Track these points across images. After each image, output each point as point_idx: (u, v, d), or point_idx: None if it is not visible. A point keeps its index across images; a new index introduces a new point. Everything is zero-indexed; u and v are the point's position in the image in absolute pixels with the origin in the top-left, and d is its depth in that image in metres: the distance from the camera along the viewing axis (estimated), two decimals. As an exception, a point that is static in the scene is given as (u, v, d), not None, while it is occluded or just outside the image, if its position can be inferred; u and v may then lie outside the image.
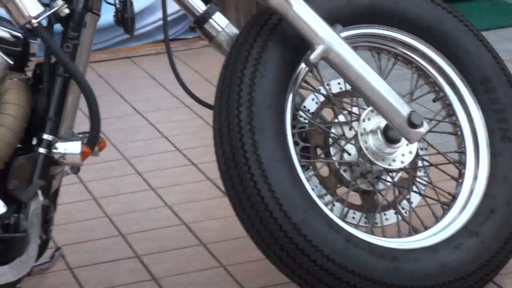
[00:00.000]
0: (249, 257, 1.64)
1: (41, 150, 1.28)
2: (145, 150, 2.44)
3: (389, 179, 1.40)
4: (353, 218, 1.40)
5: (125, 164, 2.32)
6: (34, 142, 1.28)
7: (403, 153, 1.36)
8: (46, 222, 1.37)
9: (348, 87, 1.40)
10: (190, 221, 1.94)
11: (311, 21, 1.30)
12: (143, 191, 2.17)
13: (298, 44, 1.34)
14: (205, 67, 2.79)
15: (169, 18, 1.65)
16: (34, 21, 1.25)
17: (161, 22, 2.94)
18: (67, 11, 1.28)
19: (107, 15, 1.36)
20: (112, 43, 2.95)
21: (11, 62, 1.30)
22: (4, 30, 1.32)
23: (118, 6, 1.39)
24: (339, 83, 1.39)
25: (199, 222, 1.94)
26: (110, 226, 1.95)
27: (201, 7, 1.42)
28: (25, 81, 1.35)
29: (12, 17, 1.30)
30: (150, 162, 2.35)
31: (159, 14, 2.93)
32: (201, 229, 1.91)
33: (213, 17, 1.41)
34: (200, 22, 1.42)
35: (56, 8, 1.27)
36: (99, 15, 1.34)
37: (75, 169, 1.38)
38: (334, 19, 1.34)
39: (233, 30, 1.42)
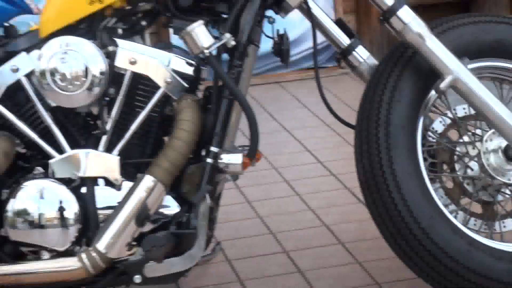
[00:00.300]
0: (382, 255, 1.69)
1: (209, 160, 1.35)
2: (291, 161, 2.53)
3: (508, 191, 1.45)
4: (475, 225, 1.46)
5: (274, 173, 2.41)
6: (203, 153, 1.36)
7: None
8: (211, 221, 1.42)
9: (472, 111, 1.44)
10: (330, 223, 2.03)
11: (442, 54, 1.34)
12: (289, 196, 2.26)
13: (429, 74, 1.39)
14: (343, 92, 2.87)
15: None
16: (206, 51, 1.32)
17: (305, 52, 3.14)
18: (233, 43, 1.34)
19: (262, 45, 1.43)
20: (264, 69, 3.10)
21: (186, 85, 1.38)
22: (181, 59, 1.39)
23: (276, 39, 1.44)
24: (464, 108, 1.44)
25: (338, 224, 2.03)
26: (261, 225, 2.06)
27: (346, 41, 1.50)
28: (197, 101, 1.40)
29: (188, 47, 1.36)
30: (296, 171, 2.44)
31: (303, 46, 3.12)
32: (339, 230, 1.99)
33: (356, 49, 1.49)
34: (345, 53, 1.49)
35: (224, 40, 1.33)
36: (258, 47, 1.41)
37: (235, 177, 1.44)
38: (462, 53, 1.39)
39: (373, 61, 1.49)
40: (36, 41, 1.36)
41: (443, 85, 1.34)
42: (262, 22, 1.45)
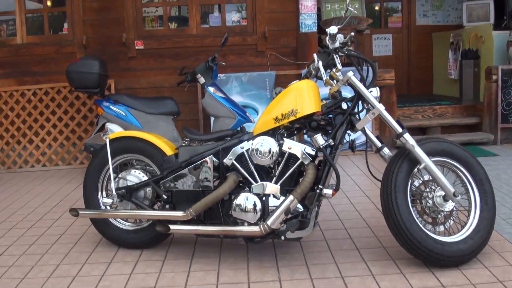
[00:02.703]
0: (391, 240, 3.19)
1: (318, 191, 2.95)
2: (349, 192, 4.43)
3: (443, 214, 2.93)
4: (429, 228, 2.94)
5: (343, 195, 4.23)
6: (315, 187, 3.14)
7: None
8: (316, 215, 3.10)
9: (430, 177, 2.93)
10: (369, 221, 3.66)
11: (421, 154, 2.88)
12: (346, 204, 4.04)
13: (415, 162, 2.86)
14: (374, 161, 4.62)
15: None
16: (321, 146, 2.97)
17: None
18: (332, 143, 3.00)
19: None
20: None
21: (311, 158, 3.03)
22: (310, 148, 3.19)
23: (350, 141, 3.09)
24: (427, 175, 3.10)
25: (372, 220, 3.69)
26: (336, 216, 3.77)
27: (378, 144, 3.14)
28: (315, 165, 3.03)
29: (313, 143, 3.07)
30: (352, 195, 4.25)
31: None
32: (372, 224, 3.62)
33: (383, 149, 3.07)
34: (378, 150, 3.14)
35: (328, 142, 2.96)
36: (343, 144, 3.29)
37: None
38: (430, 153, 2.98)
39: (390, 154, 3.10)
40: (251, 136, 3.16)
41: (421, 167, 2.88)
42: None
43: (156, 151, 3.41)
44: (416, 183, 3.00)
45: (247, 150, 3.08)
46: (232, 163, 3.12)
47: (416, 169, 2.94)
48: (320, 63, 3.11)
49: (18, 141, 6.52)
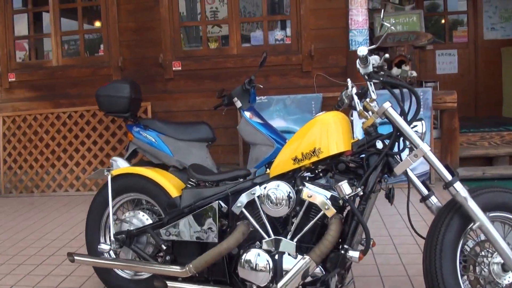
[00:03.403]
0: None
1: (342, 252, 2.33)
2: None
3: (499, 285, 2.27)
4: None
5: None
6: (340, 246, 2.36)
7: None
8: (343, 278, 2.42)
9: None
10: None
11: (476, 210, 2.21)
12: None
13: (467, 218, 2.23)
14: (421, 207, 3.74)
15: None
16: (346, 197, 2.26)
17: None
18: (361, 193, 2.36)
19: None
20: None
21: (335, 210, 2.36)
22: (335, 196, 2.40)
23: (386, 191, 2.48)
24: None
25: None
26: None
27: (424, 191, 2.38)
28: (341, 219, 2.35)
29: (338, 193, 2.38)
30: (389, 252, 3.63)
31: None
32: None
33: (430, 198, 2.39)
34: (425, 198, 2.40)
35: (356, 191, 2.31)
36: (378, 192, 2.59)
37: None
38: (487, 207, 2.26)
39: (439, 205, 2.35)
40: (267, 179, 2.61)
41: (474, 227, 2.25)
42: (382, 183, 2.45)
43: (160, 192, 2.97)
44: (470, 243, 2.39)
45: (258, 197, 2.55)
46: (241, 212, 2.60)
47: (469, 228, 2.34)
48: (354, 90, 2.56)
49: (53, 164, 6.34)
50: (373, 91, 2.52)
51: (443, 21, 8.78)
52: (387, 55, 2.54)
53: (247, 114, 4.95)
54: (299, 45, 6.00)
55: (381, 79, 2.46)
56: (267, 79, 5.94)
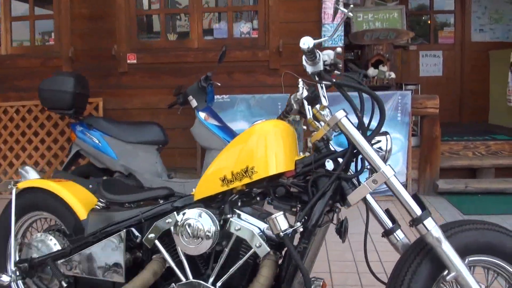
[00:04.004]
0: None
1: None
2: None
3: None
4: None
5: None
6: None
7: None
8: None
9: None
10: None
11: (451, 255, 1.71)
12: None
13: (439, 265, 1.75)
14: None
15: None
16: (281, 233, 1.77)
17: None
18: (301, 229, 1.78)
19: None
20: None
21: (269, 249, 1.85)
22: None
23: (336, 224, 1.90)
24: None
25: None
26: None
27: (388, 224, 1.88)
28: (275, 261, 1.86)
29: (271, 228, 1.80)
30: None
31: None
32: None
33: (396, 232, 1.88)
34: (388, 233, 1.88)
35: (295, 227, 1.76)
36: (324, 225, 1.90)
37: None
38: (464, 250, 1.76)
39: (407, 242, 1.85)
40: (190, 202, 2.03)
41: (448, 278, 1.75)
42: (333, 213, 1.93)
43: (68, 212, 2.38)
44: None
45: (174, 226, 1.98)
46: (154, 244, 2.02)
47: (440, 277, 1.81)
48: (305, 93, 2.02)
49: (-5, 163, 5.73)
50: (324, 96, 1.96)
51: (428, 21, 8.27)
52: (339, 49, 1.99)
53: (202, 115, 4.43)
54: (266, 40, 5.45)
55: (334, 81, 1.90)
56: (231, 76, 5.38)
